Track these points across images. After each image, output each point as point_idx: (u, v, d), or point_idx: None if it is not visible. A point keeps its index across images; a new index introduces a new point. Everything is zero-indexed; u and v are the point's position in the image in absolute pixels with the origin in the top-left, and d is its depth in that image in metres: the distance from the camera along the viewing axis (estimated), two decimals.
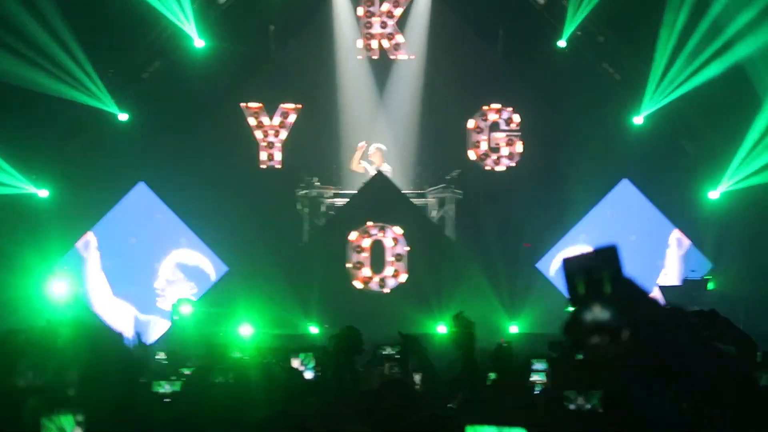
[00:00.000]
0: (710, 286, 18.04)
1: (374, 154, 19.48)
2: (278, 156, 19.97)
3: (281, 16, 19.89)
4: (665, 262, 19.59)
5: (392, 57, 20.21)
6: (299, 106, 19.97)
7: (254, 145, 19.97)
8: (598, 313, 1.87)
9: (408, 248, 17.92)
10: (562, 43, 19.55)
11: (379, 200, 18.14)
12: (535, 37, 19.73)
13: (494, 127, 20.16)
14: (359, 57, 20.22)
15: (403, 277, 17.93)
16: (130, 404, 3.11)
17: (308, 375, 6.78)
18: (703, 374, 1.83)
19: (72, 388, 2.92)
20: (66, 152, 19.10)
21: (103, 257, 19.38)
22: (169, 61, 19.61)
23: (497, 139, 20.12)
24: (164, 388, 7.06)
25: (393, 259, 17.94)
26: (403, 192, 18.66)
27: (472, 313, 6.74)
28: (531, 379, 7.59)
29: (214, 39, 19.42)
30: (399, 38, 20.15)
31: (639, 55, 18.99)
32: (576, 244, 19.50)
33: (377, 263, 17.92)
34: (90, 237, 19.35)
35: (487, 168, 20.09)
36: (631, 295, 1.87)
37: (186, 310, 17.03)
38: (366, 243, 17.95)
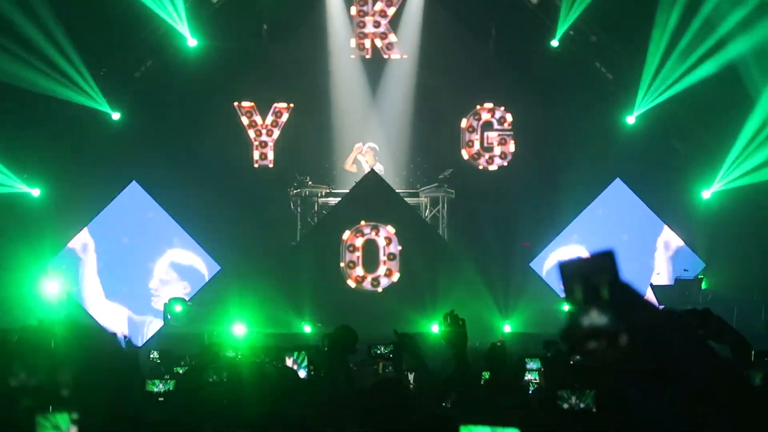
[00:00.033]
0: (703, 285, 18.08)
1: (367, 153, 19.50)
2: (271, 155, 19.97)
3: (274, 15, 19.89)
4: (655, 264, 19.62)
5: (385, 56, 20.21)
6: (292, 105, 19.97)
7: (247, 145, 19.96)
8: (595, 318, 1.87)
9: (401, 247, 17.92)
10: (554, 43, 19.58)
11: (372, 199, 18.14)
12: (528, 37, 19.76)
13: (487, 126, 20.17)
14: (352, 56, 20.22)
15: (395, 277, 17.93)
16: (124, 404, 3.11)
17: (301, 374, 6.77)
18: (697, 375, 1.84)
19: (66, 388, 2.92)
20: (58, 151, 19.06)
21: (98, 259, 19.35)
22: (161, 60, 19.59)
23: (490, 138, 20.13)
24: (158, 387, 7.05)
25: (386, 258, 17.94)
26: (395, 191, 18.67)
27: (464, 312, 6.73)
28: (525, 378, 7.60)
29: (207, 38, 19.41)
30: (392, 37, 20.15)
31: (631, 55, 19.01)
32: (569, 244, 19.54)
33: (370, 262, 17.92)
34: (88, 240, 19.31)
35: (480, 167, 20.11)
36: (628, 300, 1.88)
37: (178, 309, 17.05)
38: (359, 242, 17.95)
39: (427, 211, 19.04)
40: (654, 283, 18.17)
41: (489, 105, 20.13)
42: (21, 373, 3.14)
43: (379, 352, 7.44)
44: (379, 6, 20.11)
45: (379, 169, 19.12)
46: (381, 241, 17.95)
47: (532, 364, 7.73)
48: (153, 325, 18.78)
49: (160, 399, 6.85)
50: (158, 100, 19.44)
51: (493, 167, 20.12)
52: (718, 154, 18.61)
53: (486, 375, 6.84)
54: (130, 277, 19.32)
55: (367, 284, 17.96)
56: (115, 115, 19.13)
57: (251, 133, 19.96)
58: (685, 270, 18.54)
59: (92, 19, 17.99)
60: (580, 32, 19.57)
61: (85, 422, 2.94)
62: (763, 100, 17.59)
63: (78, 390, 2.92)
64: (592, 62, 19.76)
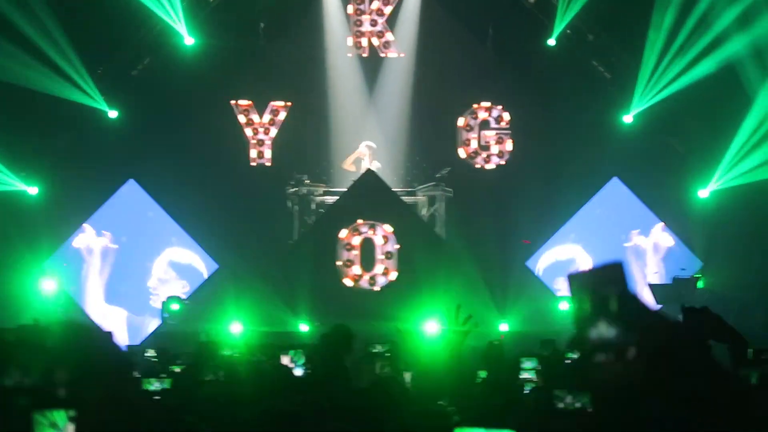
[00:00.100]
0: (700, 284, 18.09)
1: (364, 151, 19.49)
2: (268, 154, 19.94)
3: (271, 13, 19.87)
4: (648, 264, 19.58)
5: (382, 55, 20.20)
6: (289, 103, 19.94)
7: (244, 143, 19.94)
8: (603, 330, 1.86)
9: (398, 246, 17.92)
10: (552, 42, 19.57)
11: (369, 198, 18.14)
12: (525, 36, 19.74)
13: (484, 125, 20.16)
14: (349, 55, 20.20)
15: (393, 275, 17.93)
16: (121, 403, 3.10)
17: (298, 372, 6.76)
18: (702, 388, 1.84)
19: (62, 388, 2.91)
20: (56, 149, 19.04)
21: (103, 261, 19.30)
22: (159, 58, 19.56)
23: (487, 137, 20.12)
24: (154, 385, 7.04)
25: (383, 256, 17.94)
26: (393, 190, 18.66)
27: (461, 310, 6.71)
28: (521, 377, 7.59)
29: (204, 36, 19.39)
30: (389, 36, 20.14)
31: (629, 54, 19.01)
32: (566, 242, 19.52)
33: (367, 261, 17.92)
34: (93, 242, 19.23)
35: (477, 166, 20.10)
36: (636, 312, 1.86)
37: (175, 307, 17.03)
38: (356, 241, 17.95)
39: (425, 209, 19.03)
40: (651, 282, 18.18)
41: (486, 104, 20.12)
42: (16, 372, 3.14)
43: (375, 350, 7.44)
44: (376, 4, 20.10)
45: (376, 167, 19.11)
46: (378, 240, 17.95)
47: (529, 363, 7.72)
48: (152, 324, 18.74)
49: (157, 397, 6.85)
50: (155, 98, 19.41)
51: (490, 166, 20.11)
52: (715, 153, 18.61)
53: (482, 374, 6.83)
54: (128, 275, 19.28)
55: (364, 283, 17.95)
56: (113, 114, 19.10)
57: (248, 131, 19.94)
58: (682, 269, 18.53)
59: (90, 17, 17.97)
60: (578, 31, 19.57)
61: (81, 421, 2.93)
62: (760, 98, 17.58)
63: (74, 389, 2.91)
64: (589, 61, 19.75)
